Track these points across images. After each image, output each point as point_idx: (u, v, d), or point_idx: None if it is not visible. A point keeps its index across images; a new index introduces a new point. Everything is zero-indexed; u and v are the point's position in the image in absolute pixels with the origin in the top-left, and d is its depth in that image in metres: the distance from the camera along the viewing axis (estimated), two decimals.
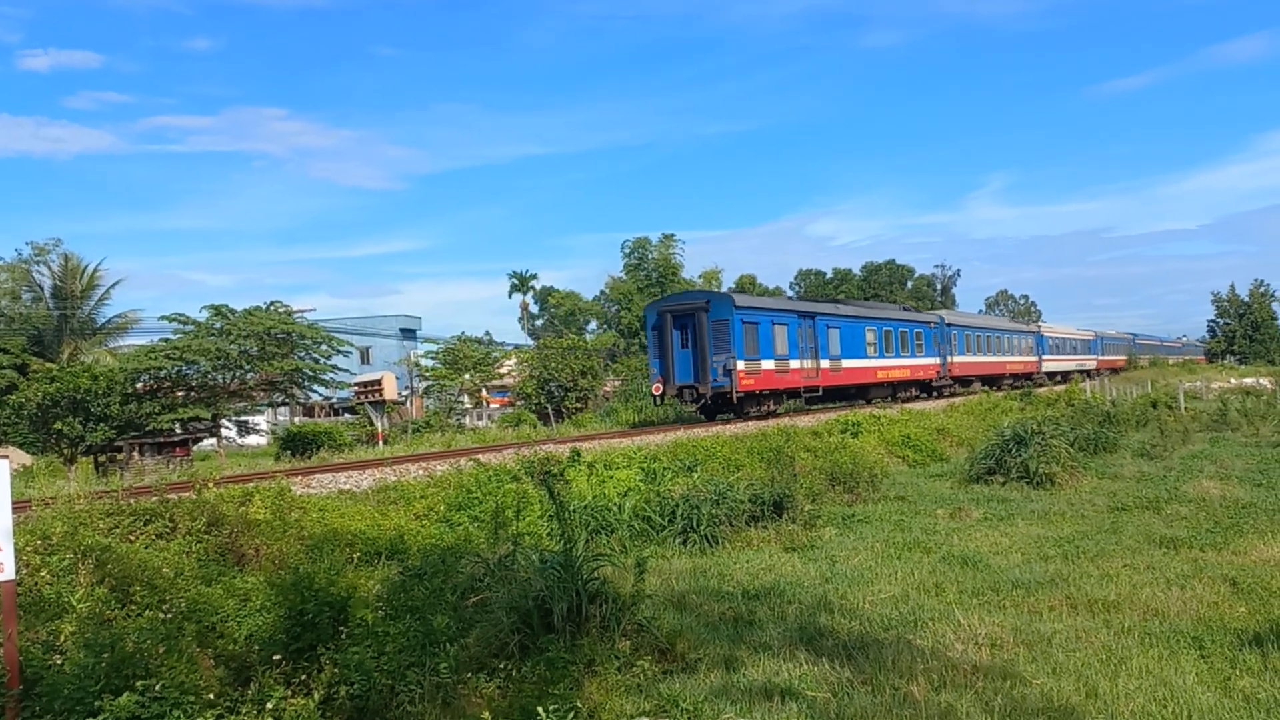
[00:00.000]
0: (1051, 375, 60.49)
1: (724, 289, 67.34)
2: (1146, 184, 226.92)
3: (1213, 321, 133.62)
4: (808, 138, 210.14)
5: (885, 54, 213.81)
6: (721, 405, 29.86)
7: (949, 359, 44.79)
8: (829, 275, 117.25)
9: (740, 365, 28.91)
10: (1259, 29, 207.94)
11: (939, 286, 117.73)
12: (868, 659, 7.98)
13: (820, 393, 34.00)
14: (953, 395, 42.29)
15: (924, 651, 8.09)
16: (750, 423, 27.91)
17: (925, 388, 42.98)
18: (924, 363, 42.27)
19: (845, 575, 11.60)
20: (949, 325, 46.07)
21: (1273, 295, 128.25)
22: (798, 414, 31.85)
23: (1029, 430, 20.26)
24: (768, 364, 30.57)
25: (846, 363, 35.45)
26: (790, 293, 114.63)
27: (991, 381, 50.49)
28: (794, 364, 32.04)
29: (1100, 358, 74.43)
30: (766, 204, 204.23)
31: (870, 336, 37.94)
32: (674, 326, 29.98)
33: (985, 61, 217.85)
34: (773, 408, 31.32)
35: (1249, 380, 59.51)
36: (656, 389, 30.05)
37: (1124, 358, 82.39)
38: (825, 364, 33.92)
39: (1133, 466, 21.51)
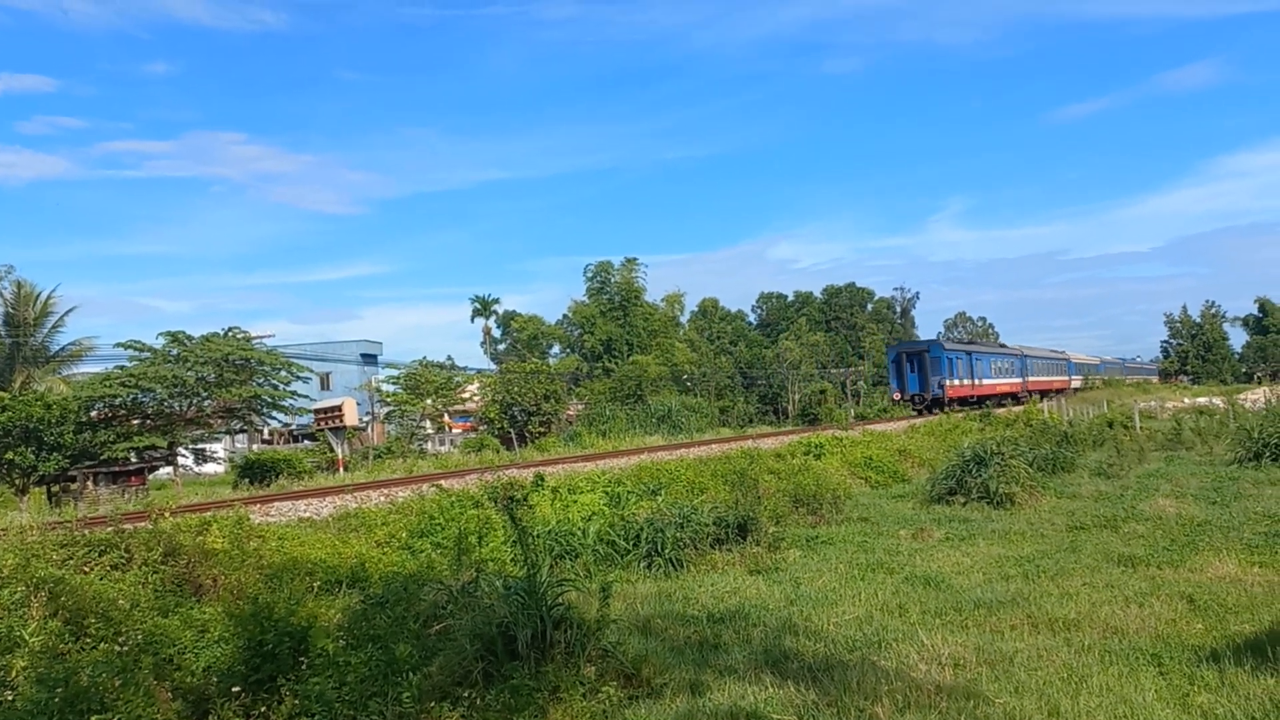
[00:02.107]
0: (1075, 390, 77.40)
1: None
2: (1100, 208, 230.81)
3: (1166, 342, 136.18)
4: (769, 162, 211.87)
5: (845, 80, 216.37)
6: (932, 406, 48.27)
7: (1026, 379, 64.74)
8: (790, 298, 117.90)
9: (948, 382, 49.38)
10: (1205, 56, 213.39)
11: (899, 309, 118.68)
12: (833, 681, 7.99)
13: (974, 400, 52.54)
14: (1025, 403, 56.88)
15: (888, 672, 8.13)
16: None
17: (1014, 399, 58.97)
18: (1015, 381, 62.06)
19: (810, 597, 11.63)
20: (1025, 356, 66.57)
21: (1224, 316, 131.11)
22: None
23: (989, 451, 20.48)
24: (956, 382, 50.76)
25: (984, 382, 55.26)
26: (752, 316, 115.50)
27: (1045, 394, 66.95)
28: (965, 382, 52.11)
29: (1111, 376, 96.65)
30: (728, 228, 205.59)
31: (993, 365, 58.24)
32: (906, 360, 51.21)
33: (942, 88, 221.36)
34: (956, 408, 48.22)
35: (1202, 400, 60.68)
36: (895, 396, 52.12)
37: (1121, 376, 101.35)
38: (976, 382, 53.78)
39: (1090, 486, 21.80)
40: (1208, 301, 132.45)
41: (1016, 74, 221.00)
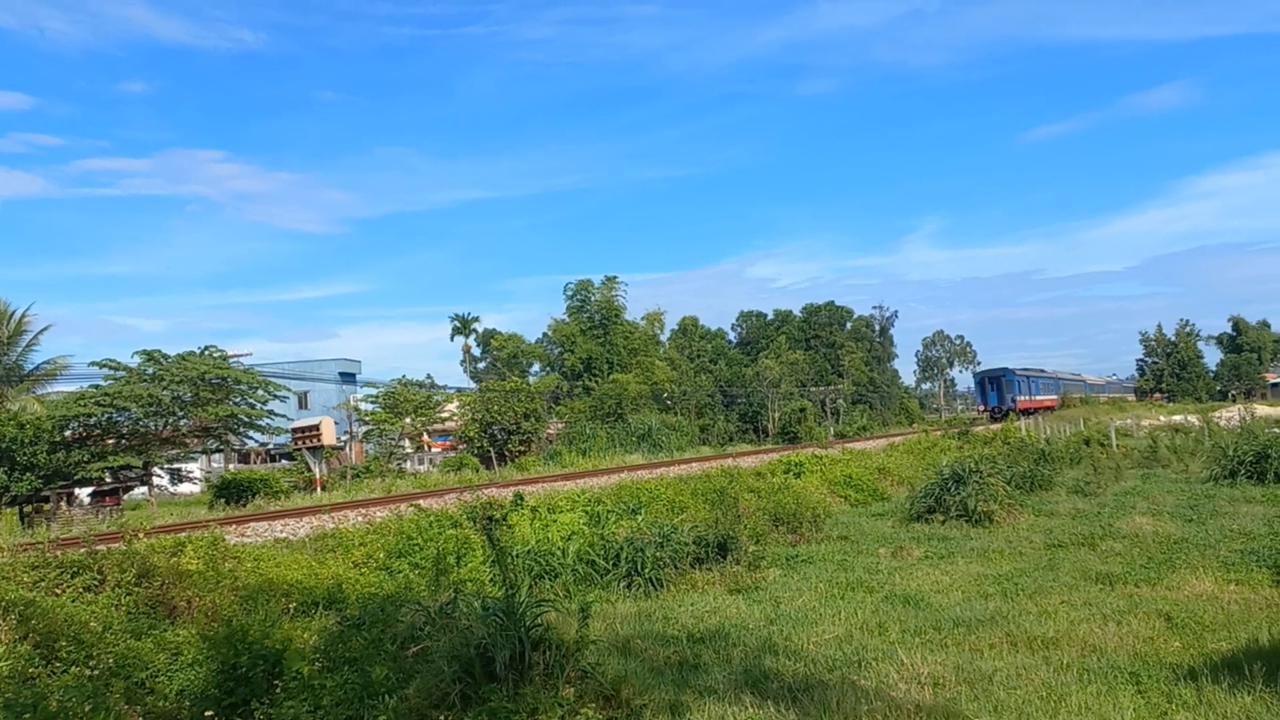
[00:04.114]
0: None
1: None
2: (1073, 228, 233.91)
3: (1141, 360, 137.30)
4: (747, 182, 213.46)
5: (821, 102, 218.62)
6: (1006, 414, 61.15)
7: (1059, 395, 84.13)
8: (770, 317, 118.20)
9: (1019, 398, 70.14)
10: (1174, 79, 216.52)
11: (877, 327, 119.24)
12: (813, 701, 7.96)
13: (1032, 410, 68.87)
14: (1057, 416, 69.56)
15: (868, 692, 8.10)
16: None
17: (1051, 409, 75.17)
18: (1054, 397, 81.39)
19: (790, 616, 11.61)
20: (1060, 379, 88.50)
21: (1198, 335, 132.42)
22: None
23: (967, 469, 20.54)
24: (1023, 398, 71.54)
25: (1037, 398, 75.54)
26: (732, 334, 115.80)
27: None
28: (1027, 398, 72.37)
29: (1112, 395, 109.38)
30: (707, 247, 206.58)
31: (1041, 385, 78.64)
32: (988, 382, 72.96)
33: (917, 110, 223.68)
34: (1022, 417, 59.48)
35: (1178, 418, 61.22)
36: (980, 409, 72.91)
37: (1125, 395, 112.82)
38: (1033, 398, 73.97)
39: (1068, 503, 21.90)
40: (1182, 320, 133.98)
41: (989, 96, 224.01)
